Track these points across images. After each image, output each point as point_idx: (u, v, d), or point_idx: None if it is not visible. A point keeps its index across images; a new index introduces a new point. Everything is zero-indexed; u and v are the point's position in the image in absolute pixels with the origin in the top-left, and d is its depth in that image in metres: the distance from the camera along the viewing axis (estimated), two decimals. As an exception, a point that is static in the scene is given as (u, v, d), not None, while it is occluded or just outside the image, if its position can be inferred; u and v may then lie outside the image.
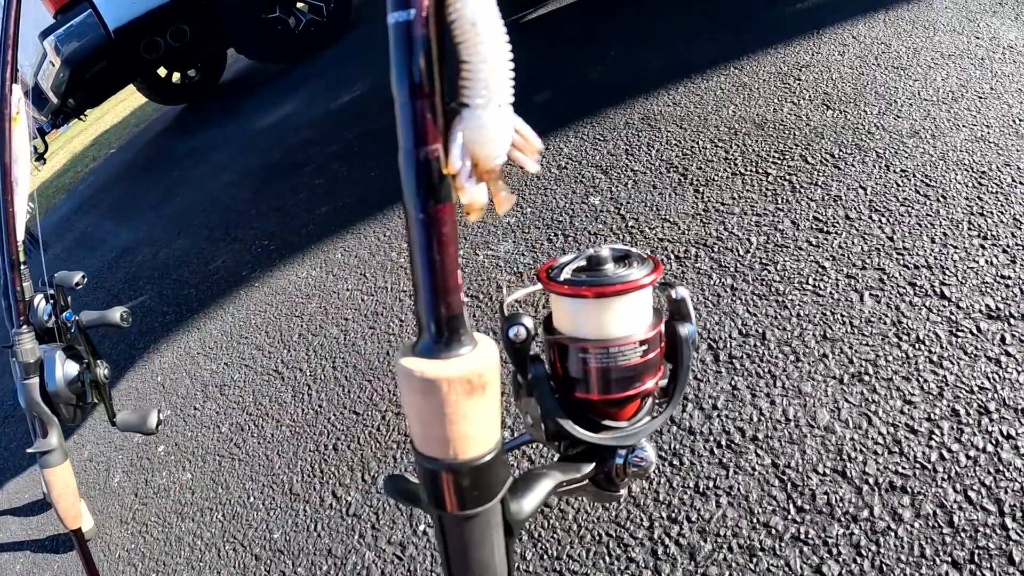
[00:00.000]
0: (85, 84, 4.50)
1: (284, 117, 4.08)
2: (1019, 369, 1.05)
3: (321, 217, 2.57)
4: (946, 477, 0.95)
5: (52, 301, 1.43)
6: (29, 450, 1.37)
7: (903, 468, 0.98)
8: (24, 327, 1.36)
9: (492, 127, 0.41)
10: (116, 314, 1.53)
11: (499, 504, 0.48)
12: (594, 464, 0.63)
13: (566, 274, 0.59)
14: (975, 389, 1.04)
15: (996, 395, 1.02)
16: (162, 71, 5.75)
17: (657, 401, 0.67)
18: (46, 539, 1.72)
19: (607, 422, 0.63)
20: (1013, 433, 0.97)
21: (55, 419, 1.37)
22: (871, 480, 0.98)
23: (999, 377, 1.04)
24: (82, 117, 5.31)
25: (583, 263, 0.60)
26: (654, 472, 1.12)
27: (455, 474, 0.45)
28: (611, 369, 0.59)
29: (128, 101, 8.33)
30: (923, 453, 0.99)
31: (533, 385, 0.60)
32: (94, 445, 1.98)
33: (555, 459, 0.65)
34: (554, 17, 3.44)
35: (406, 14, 0.40)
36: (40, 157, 4.95)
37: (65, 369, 1.36)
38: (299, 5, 4.90)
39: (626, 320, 0.58)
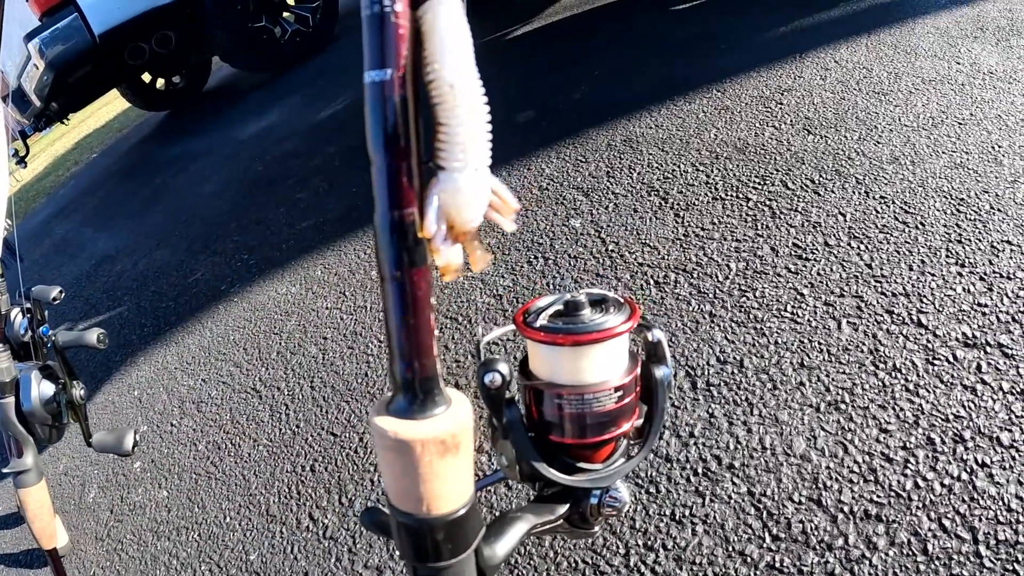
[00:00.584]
0: (68, 88, 4.47)
1: (267, 128, 4.07)
2: (994, 397, 1.06)
3: (302, 232, 2.57)
4: (921, 505, 0.96)
5: (29, 315, 1.42)
6: (4, 470, 1.36)
7: (878, 496, 0.99)
8: (0, 345, 1.35)
9: (469, 191, 0.41)
10: (93, 335, 1.52)
11: (472, 554, 0.49)
12: (568, 504, 0.64)
13: (543, 320, 0.59)
14: (951, 417, 1.05)
15: (971, 423, 1.04)
16: (146, 76, 5.74)
17: (632, 442, 0.67)
18: (20, 553, 1.70)
19: (582, 464, 0.63)
20: (988, 461, 0.98)
21: (30, 439, 1.36)
22: (846, 508, 0.99)
23: (975, 405, 1.06)
24: (65, 121, 5.29)
25: (560, 308, 0.61)
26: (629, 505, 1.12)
27: (429, 529, 0.45)
28: (586, 415, 0.59)
29: (112, 105, 8.29)
30: (898, 481, 1.00)
31: (508, 428, 0.60)
32: (69, 459, 1.96)
33: (530, 498, 0.66)
34: (538, 35, 3.46)
35: (382, 73, 0.40)
36: (21, 160, 4.90)
37: (41, 389, 1.35)
38: (285, 15, 4.92)
39: (602, 367, 0.59)
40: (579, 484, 0.63)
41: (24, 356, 1.40)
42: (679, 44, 2.67)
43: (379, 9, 0.41)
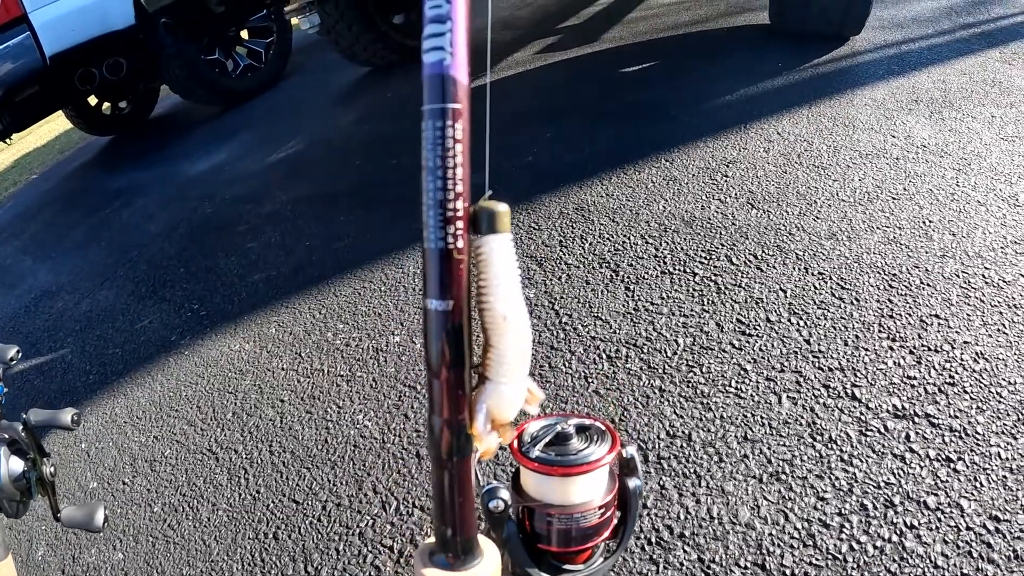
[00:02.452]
0: (14, 107, 4.55)
1: (216, 167, 4.18)
2: (922, 464, 1.25)
3: (254, 286, 2.66)
4: (856, 566, 1.13)
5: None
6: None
7: (817, 559, 1.16)
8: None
9: (512, 400, 0.57)
10: (67, 416, 1.60)
11: None
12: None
13: (537, 451, 0.74)
14: (882, 484, 1.24)
15: (901, 489, 1.22)
16: (92, 100, 5.80)
17: (608, 543, 0.84)
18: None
19: (567, 565, 0.79)
20: (916, 523, 1.17)
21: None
22: (788, 572, 1.16)
23: (904, 472, 1.25)
24: (7, 141, 5.30)
25: (551, 438, 0.77)
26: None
27: None
28: (572, 529, 0.75)
29: (54, 124, 8.23)
30: (835, 545, 1.17)
31: (506, 541, 0.76)
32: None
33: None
34: (490, 93, 3.64)
35: (444, 304, 0.53)
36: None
37: (10, 466, 1.43)
38: (239, 49, 5.10)
39: (587, 491, 0.75)
40: None
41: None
42: (629, 109, 2.91)
43: (443, 245, 0.52)
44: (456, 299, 0.53)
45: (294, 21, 4.93)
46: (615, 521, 0.80)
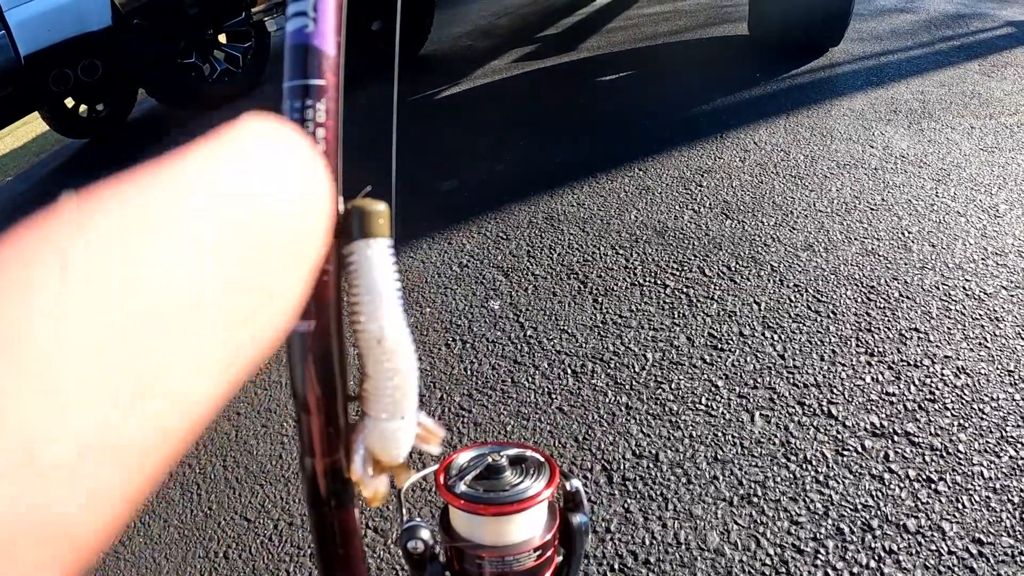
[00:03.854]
0: None
1: None
2: (901, 485, 1.19)
3: None
4: (831, 597, 1.07)
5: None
6: None
7: (790, 589, 1.10)
8: None
9: (396, 438, 0.49)
10: None
11: None
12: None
13: (463, 486, 0.68)
14: (859, 507, 1.17)
15: (879, 512, 1.16)
16: (69, 101, 5.73)
17: None
18: None
19: None
20: (895, 548, 1.10)
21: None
22: (759, 603, 1.10)
23: (882, 494, 1.18)
24: None
25: (481, 471, 0.69)
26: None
27: None
28: (507, 573, 0.68)
29: (31, 125, 8.17)
30: (809, 572, 1.11)
31: None
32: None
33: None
34: (464, 98, 3.62)
35: (304, 324, 0.45)
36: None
37: None
38: (216, 53, 5.05)
39: (523, 530, 0.68)
40: None
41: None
42: (604, 117, 2.86)
43: None
44: (319, 318, 0.45)
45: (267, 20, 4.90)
46: (558, 560, 0.73)
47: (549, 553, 0.69)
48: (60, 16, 4.41)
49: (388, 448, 0.48)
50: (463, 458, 0.70)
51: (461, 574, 0.70)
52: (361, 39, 4.44)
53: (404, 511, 0.68)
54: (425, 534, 0.66)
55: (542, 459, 0.69)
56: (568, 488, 0.71)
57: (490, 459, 0.68)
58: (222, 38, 5.19)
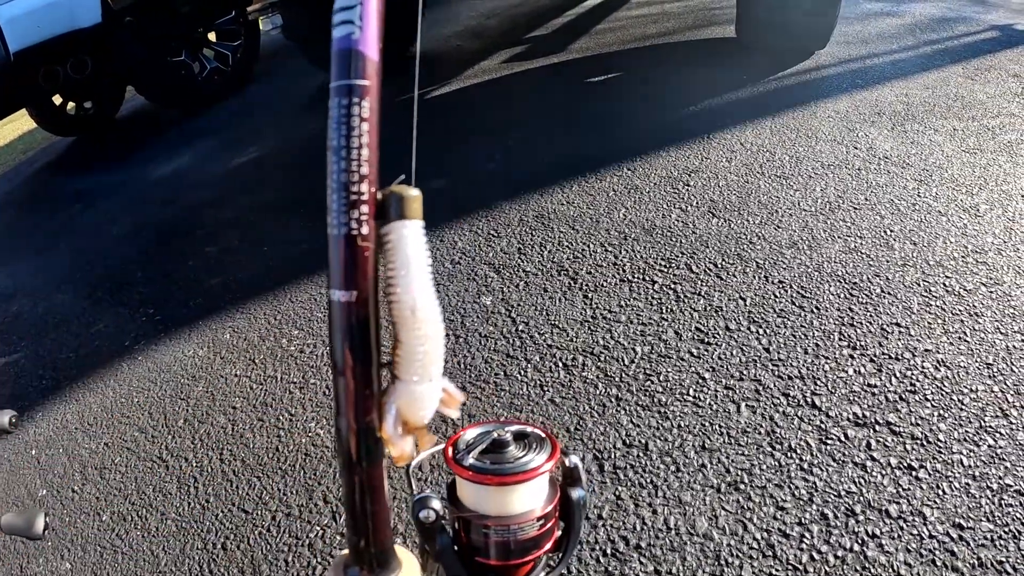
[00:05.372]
0: None
1: (179, 171, 4.12)
2: (883, 472, 1.23)
3: (210, 290, 2.62)
4: (816, 578, 1.11)
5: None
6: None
7: (776, 570, 1.14)
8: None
9: (424, 400, 0.53)
10: (4, 418, 1.55)
11: None
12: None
13: (471, 459, 0.71)
14: (842, 493, 1.22)
15: (862, 498, 1.20)
16: (57, 99, 5.70)
17: (550, 556, 0.80)
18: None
19: None
20: (878, 532, 1.15)
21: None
22: (746, 585, 1.13)
23: (864, 481, 1.23)
24: None
25: (487, 446, 0.73)
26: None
27: None
28: (510, 541, 0.72)
29: (18, 122, 8.09)
30: (795, 555, 1.15)
31: (440, 554, 0.72)
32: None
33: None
34: (454, 98, 3.65)
35: (348, 295, 0.49)
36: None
37: None
38: (206, 51, 5.05)
39: (526, 500, 0.72)
40: None
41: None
42: (593, 118, 2.90)
43: (347, 230, 0.49)
44: (360, 289, 0.49)
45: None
46: (557, 533, 0.76)
47: (550, 524, 0.73)
48: (50, 12, 4.38)
49: (416, 409, 0.52)
50: (470, 434, 0.74)
51: (468, 543, 0.74)
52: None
53: (413, 484, 0.71)
54: (436, 504, 0.70)
55: (544, 436, 0.73)
56: (567, 464, 0.75)
57: (495, 435, 0.71)
58: (212, 36, 5.19)
